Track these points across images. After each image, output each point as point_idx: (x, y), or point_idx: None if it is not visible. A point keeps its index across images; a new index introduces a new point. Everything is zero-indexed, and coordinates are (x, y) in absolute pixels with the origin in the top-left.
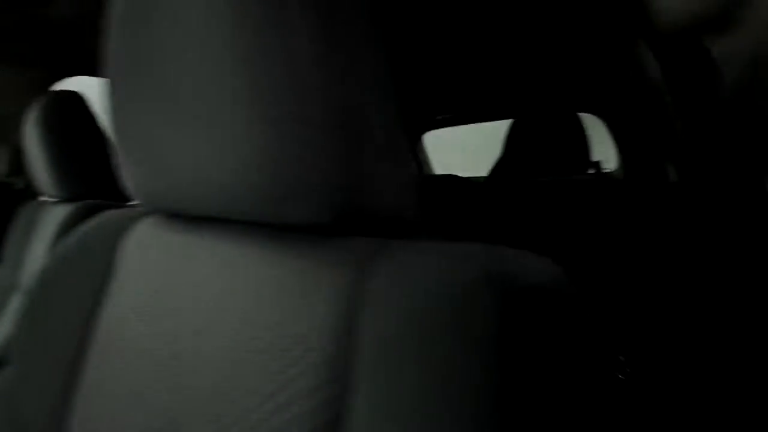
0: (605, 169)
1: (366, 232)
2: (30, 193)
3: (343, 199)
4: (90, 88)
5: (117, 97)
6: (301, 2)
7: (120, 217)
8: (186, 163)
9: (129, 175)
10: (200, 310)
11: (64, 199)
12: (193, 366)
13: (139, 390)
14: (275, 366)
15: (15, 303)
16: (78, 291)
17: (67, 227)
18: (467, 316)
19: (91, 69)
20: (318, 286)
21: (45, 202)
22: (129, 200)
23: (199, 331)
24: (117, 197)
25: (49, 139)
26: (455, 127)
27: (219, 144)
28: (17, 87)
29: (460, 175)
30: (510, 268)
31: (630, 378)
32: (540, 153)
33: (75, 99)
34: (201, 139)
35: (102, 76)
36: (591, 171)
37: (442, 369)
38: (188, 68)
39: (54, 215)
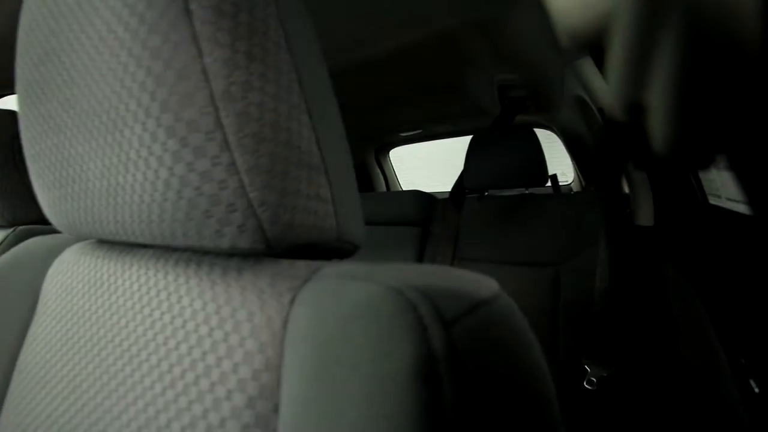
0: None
1: (300, 255)
2: None
3: (268, 221)
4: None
5: (28, 123)
6: (207, 6)
7: (48, 243)
8: (100, 189)
9: (43, 200)
10: (126, 338)
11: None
12: (117, 392)
13: (59, 416)
14: (198, 408)
15: None
16: (3, 321)
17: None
18: (385, 342)
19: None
20: (249, 313)
21: None
22: None
23: (126, 358)
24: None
25: None
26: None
27: (132, 167)
28: None
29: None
30: (435, 287)
31: (599, 386)
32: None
33: (9, 119)
34: (112, 163)
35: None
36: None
37: (359, 399)
38: (95, 88)
39: None
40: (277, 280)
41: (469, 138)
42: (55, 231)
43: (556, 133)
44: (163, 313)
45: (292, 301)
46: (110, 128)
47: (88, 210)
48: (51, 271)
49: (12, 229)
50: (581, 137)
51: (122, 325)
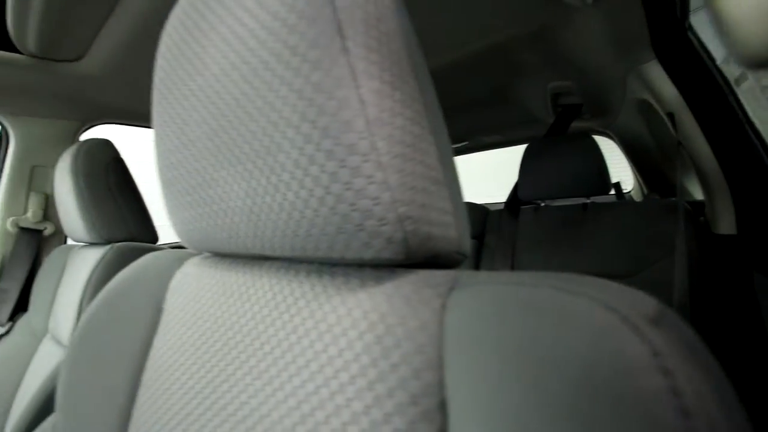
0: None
1: (425, 265)
2: (57, 238)
3: (411, 233)
4: (113, 135)
5: (164, 146)
6: (360, 44)
7: (167, 257)
8: (242, 208)
9: (176, 219)
10: (267, 342)
11: (96, 243)
12: (264, 391)
13: (197, 413)
14: (358, 405)
15: (46, 346)
16: (126, 335)
17: (100, 269)
18: (585, 343)
19: (114, 118)
20: (400, 318)
21: (74, 246)
22: (156, 242)
23: (270, 360)
24: (145, 239)
25: (82, 186)
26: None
27: (284, 187)
28: (47, 139)
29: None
30: (611, 287)
31: None
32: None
33: (106, 146)
34: (260, 184)
35: (125, 124)
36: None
37: (537, 397)
38: (246, 119)
39: (85, 258)
40: (421, 287)
41: (514, 149)
42: (148, 247)
43: (612, 139)
44: (305, 319)
45: (443, 307)
46: (262, 154)
47: (225, 227)
48: (174, 283)
49: (109, 246)
50: (643, 143)
51: (261, 330)
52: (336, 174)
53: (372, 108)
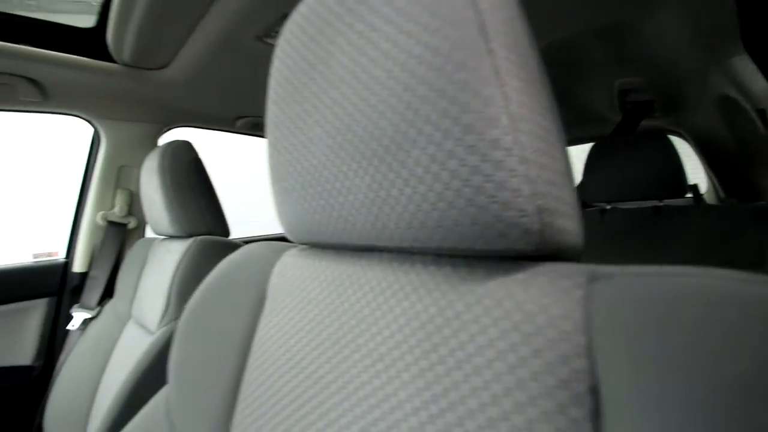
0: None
1: (551, 258)
2: (138, 231)
3: (547, 225)
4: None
5: (278, 144)
6: (502, 45)
7: (264, 249)
8: (363, 201)
9: (284, 212)
10: (386, 327)
11: (178, 236)
12: (387, 373)
13: (296, 408)
14: (498, 387)
15: (131, 330)
16: (232, 319)
17: (186, 260)
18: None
19: (190, 121)
20: (540, 306)
21: (155, 239)
22: (228, 236)
23: (391, 343)
24: (221, 233)
25: (167, 183)
26: None
27: (415, 181)
28: (132, 141)
29: None
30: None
31: None
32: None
33: (187, 147)
34: (386, 179)
35: (199, 127)
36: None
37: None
38: (376, 117)
39: (169, 250)
40: (556, 278)
41: (573, 148)
42: (225, 240)
43: (684, 138)
44: (427, 306)
45: (587, 297)
46: (392, 150)
47: (340, 219)
48: (276, 271)
49: (192, 239)
50: (721, 142)
51: (377, 316)
52: (477, 167)
53: (515, 105)
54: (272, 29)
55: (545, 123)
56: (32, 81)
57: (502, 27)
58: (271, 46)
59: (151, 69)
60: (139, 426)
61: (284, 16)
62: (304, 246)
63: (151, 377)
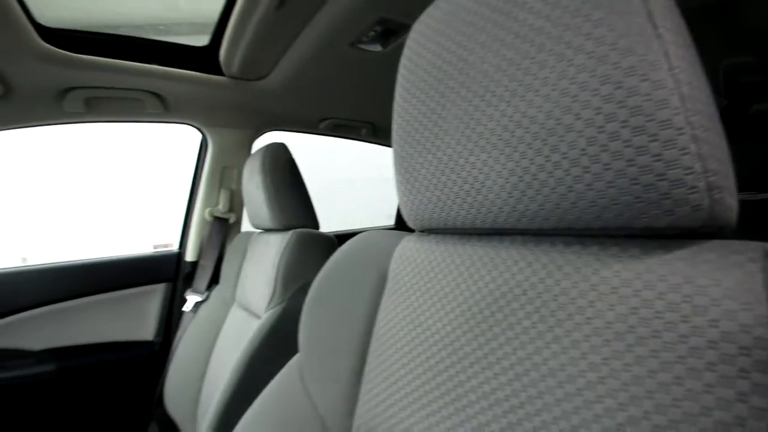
0: None
1: (710, 235)
2: (237, 226)
3: (717, 201)
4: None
5: (407, 137)
6: (669, 29)
7: (382, 236)
8: (502, 186)
9: (409, 201)
10: (514, 312)
11: (276, 229)
12: (549, 348)
13: (427, 372)
14: (668, 355)
15: (235, 313)
16: (356, 296)
17: (288, 250)
18: None
19: (282, 125)
20: (713, 280)
21: (252, 233)
22: (318, 228)
23: (550, 321)
24: (313, 227)
25: (268, 181)
26: None
27: (568, 164)
28: (233, 145)
29: None
30: None
31: None
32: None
33: (284, 148)
34: (531, 160)
35: (289, 131)
36: None
37: None
38: (523, 107)
39: (269, 242)
40: (725, 254)
41: None
42: (320, 233)
43: None
44: (576, 282)
45: (765, 269)
46: (542, 136)
47: (474, 205)
48: (397, 255)
49: (291, 232)
50: None
51: (517, 293)
52: (645, 147)
53: (685, 87)
54: (365, 35)
55: (709, 101)
56: (157, 95)
57: (667, 12)
58: (363, 51)
59: (253, 80)
60: (275, 390)
61: (378, 22)
62: (423, 232)
63: (263, 354)
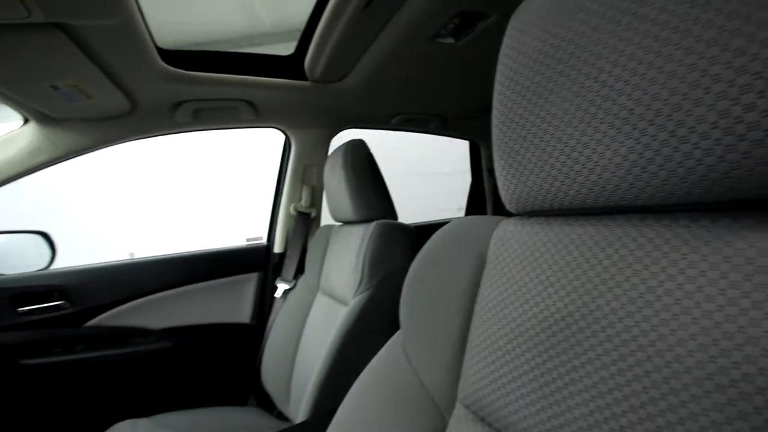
0: None
1: None
2: (317, 220)
3: None
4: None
5: (510, 122)
6: None
7: (478, 220)
8: (621, 161)
9: (511, 185)
10: (634, 287)
11: (358, 221)
12: (658, 331)
13: (539, 345)
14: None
15: (321, 300)
16: (455, 276)
17: (372, 241)
18: None
19: (356, 123)
20: None
21: (333, 225)
22: (396, 219)
23: (638, 304)
24: (392, 218)
25: (350, 176)
26: None
27: (686, 136)
28: (312, 144)
29: None
30: None
31: None
32: None
33: (363, 145)
34: (653, 137)
35: (363, 128)
36: None
37: None
38: (640, 81)
39: (352, 233)
40: None
41: None
42: (399, 222)
43: None
44: (705, 255)
45: None
46: (665, 112)
47: (585, 185)
48: (496, 237)
49: (374, 223)
50: None
51: (637, 268)
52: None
53: None
54: (443, 28)
55: None
56: (250, 103)
57: None
58: (438, 45)
59: (333, 82)
60: (379, 364)
61: (457, 14)
62: (523, 216)
63: (353, 335)
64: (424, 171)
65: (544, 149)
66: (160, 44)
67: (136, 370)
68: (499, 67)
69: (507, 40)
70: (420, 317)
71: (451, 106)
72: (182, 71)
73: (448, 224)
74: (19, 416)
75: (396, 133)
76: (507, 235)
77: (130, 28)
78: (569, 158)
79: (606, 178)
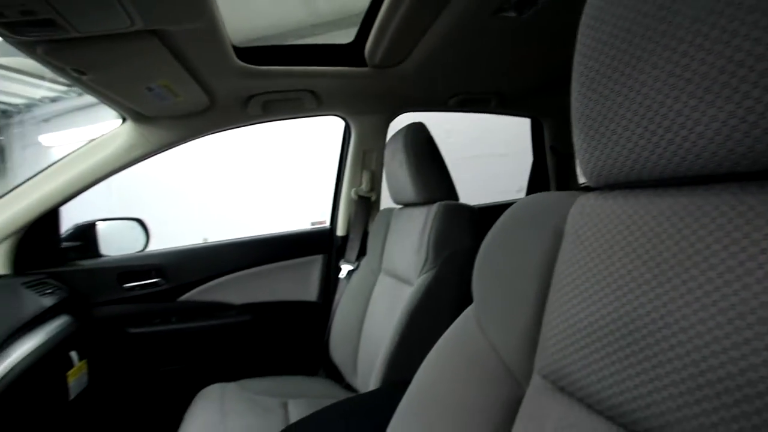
0: None
1: None
2: (377, 203)
3: None
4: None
5: (589, 94)
6: None
7: (554, 196)
8: (719, 126)
9: (594, 156)
10: (733, 255)
11: (419, 203)
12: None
13: (606, 324)
14: None
15: (383, 281)
16: (530, 251)
17: (436, 222)
18: None
19: (413, 106)
20: None
21: (393, 208)
22: (457, 200)
23: (737, 272)
24: (453, 198)
25: (412, 159)
26: None
27: None
28: (371, 129)
29: None
30: None
31: None
32: None
33: (422, 128)
34: (758, 99)
35: (419, 110)
36: None
37: None
38: (737, 41)
39: (412, 215)
40: None
41: None
42: (462, 204)
43: None
44: None
45: None
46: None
47: (680, 151)
48: (573, 212)
49: (437, 204)
50: None
51: (756, 238)
52: None
53: None
54: (507, 1)
55: None
56: (312, 92)
57: None
58: (502, 20)
59: (392, 66)
60: (453, 337)
61: None
62: (603, 190)
63: (420, 312)
64: (478, 153)
65: (630, 119)
66: (233, 42)
67: (222, 340)
68: (580, 38)
69: (588, 10)
70: (494, 290)
71: (512, 83)
72: (254, 66)
73: (522, 200)
74: (128, 376)
75: (445, 117)
76: (587, 210)
77: (211, 29)
78: (660, 126)
79: (701, 146)
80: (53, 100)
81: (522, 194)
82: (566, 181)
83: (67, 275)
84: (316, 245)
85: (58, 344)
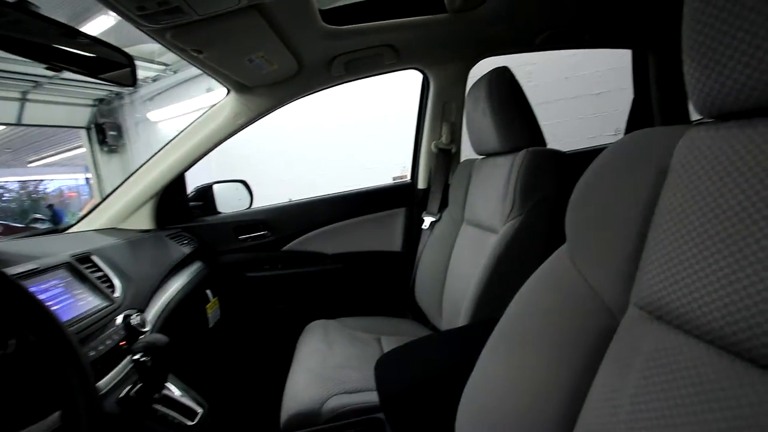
0: None
1: None
2: (457, 155)
3: None
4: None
5: (704, 20)
6: None
7: (660, 131)
8: None
9: (708, 85)
10: None
11: (504, 152)
12: None
13: (716, 261)
14: None
15: (466, 230)
16: (630, 188)
17: (522, 169)
18: None
19: (495, 50)
20: None
21: (474, 159)
22: (545, 146)
23: None
24: (540, 144)
25: (496, 106)
26: None
27: None
28: (449, 79)
29: None
30: None
31: None
32: None
33: (506, 72)
34: None
35: (503, 54)
36: None
37: None
38: None
39: (497, 164)
40: None
41: None
42: (551, 149)
43: None
44: None
45: None
46: None
47: None
48: (682, 144)
49: (524, 151)
50: None
51: None
52: None
53: None
54: None
55: None
56: (392, 47)
57: None
58: None
59: (473, 9)
60: (546, 273)
61: None
62: (714, 122)
63: (508, 259)
64: (565, 95)
65: (750, 42)
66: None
67: (321, 284)
68: None
69: None
70: (590, 229)
71: (610, 11)
72: (337, 27)
73: (622, 138)
74: (250, 312)
75: (526, 58)
76: (697, 143)
77: None
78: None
79: None
80: (154, 79)
81: (619, 137)
82: (673, 118)
83: (195, 229)
84: (398, 199)
85: (198, 284)
